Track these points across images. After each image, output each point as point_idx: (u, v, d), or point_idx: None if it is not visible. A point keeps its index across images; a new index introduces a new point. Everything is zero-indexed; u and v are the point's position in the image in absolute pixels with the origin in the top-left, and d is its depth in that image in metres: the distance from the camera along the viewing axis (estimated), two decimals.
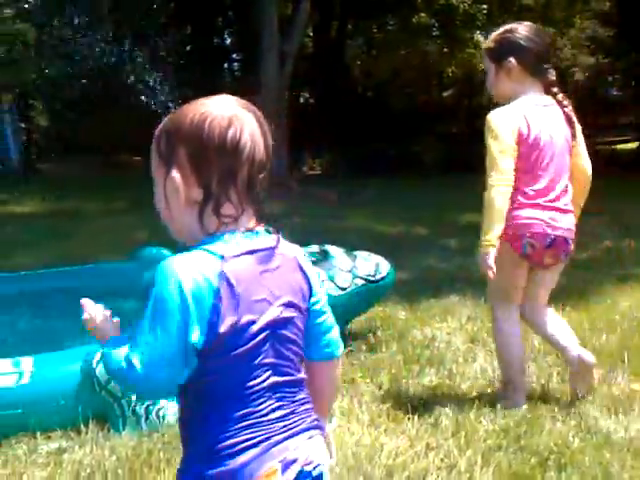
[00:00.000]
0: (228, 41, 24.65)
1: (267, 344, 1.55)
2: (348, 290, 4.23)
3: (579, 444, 2.98)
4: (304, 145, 17.79)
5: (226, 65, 24.78)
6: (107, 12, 15.12)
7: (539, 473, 2.78)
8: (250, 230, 1.56)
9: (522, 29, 3.36)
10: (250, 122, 1.57)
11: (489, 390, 3.59)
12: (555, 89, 3.39)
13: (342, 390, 3.65)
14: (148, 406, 3.18)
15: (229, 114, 1.55)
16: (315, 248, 4.41)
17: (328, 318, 1.70)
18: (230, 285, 1.48)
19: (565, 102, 3.40)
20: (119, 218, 10.03)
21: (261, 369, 1.55)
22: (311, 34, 21.85)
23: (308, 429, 1.60)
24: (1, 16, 15.91)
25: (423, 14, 18.92)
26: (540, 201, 3.27)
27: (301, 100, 24.20)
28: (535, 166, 3.27)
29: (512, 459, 2.87)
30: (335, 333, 1.71)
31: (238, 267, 1.51)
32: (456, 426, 3.13)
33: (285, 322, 1.58)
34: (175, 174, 1.53)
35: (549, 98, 3.37)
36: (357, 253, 4.40)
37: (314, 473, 1.57)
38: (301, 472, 1.54)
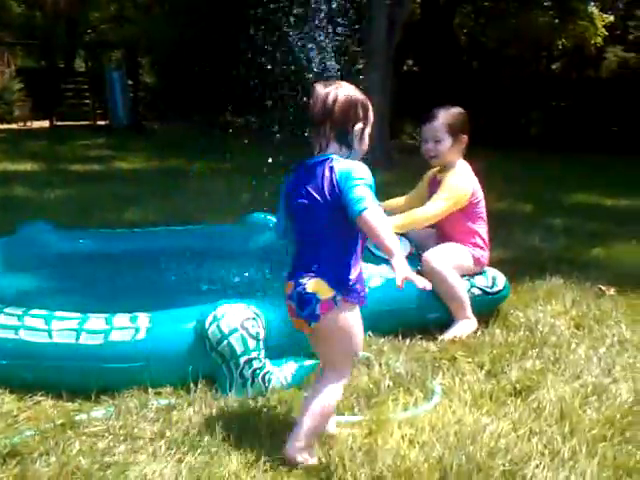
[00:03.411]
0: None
1: (295, 217, 2.80)
2: None
3: None
4: (405, 114, 17.62)
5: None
6: None
7: None
8: (314, 154, 2.77)
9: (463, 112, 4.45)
10: (317, 91, 2.76)
11: (594, 379, 3.52)
12: None
13: (443, 367, 3.67)
14: (255, 370, 3.26)
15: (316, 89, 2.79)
16: None
17: (352, 195, 2.60)
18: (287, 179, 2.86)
19: None
20: (224, 179, 10.20)
21: (296, 230, 2.81)
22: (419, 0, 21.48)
23: (312, 271, 2.68)
24: None
25: None
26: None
27: (404, 68, 23.90)
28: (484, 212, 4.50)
29: (617, 451, 2.83)
30: (358, 204, 2.58)
31: (294, 171, 2.83)
32: (560, 413, 3.11)
33: (308, 205, 2.71)
34: None
35: None
36: None
37: (300, 292, 2.68)
38: (298, 291, 2.69)
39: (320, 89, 2.76)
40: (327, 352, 2.82)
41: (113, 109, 22.00)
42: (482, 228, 4.47)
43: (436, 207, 4.32)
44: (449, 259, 4.24)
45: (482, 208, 4.47)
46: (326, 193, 2.67)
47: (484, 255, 4.44)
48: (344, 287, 2.68)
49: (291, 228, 2.84)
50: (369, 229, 2.58)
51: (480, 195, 4.45)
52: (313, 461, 2.73)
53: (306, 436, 2.73)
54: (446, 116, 4.40)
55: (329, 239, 2.70)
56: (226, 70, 20.45)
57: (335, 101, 2.72)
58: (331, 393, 2.77)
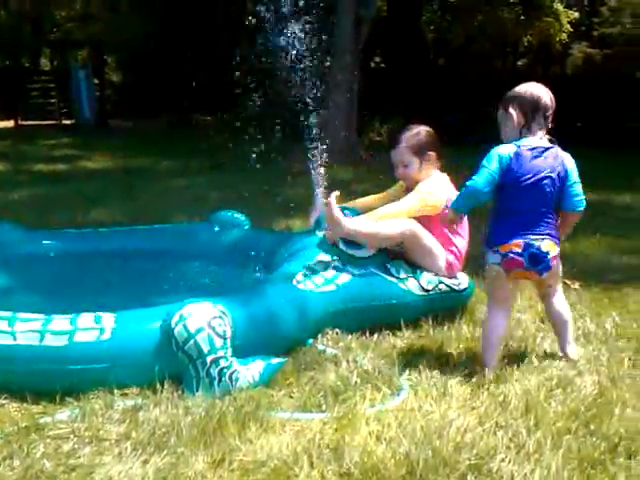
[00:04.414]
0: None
1: (528, 191, 3.51)
2: (430, 293, 4.25)
3: None
4: (372, 111, 17.63)
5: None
6: None
7: (609, 459, 2.75)
8: (539, 138, 3.60)
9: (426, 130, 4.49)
10: (543, 91, 3.66)
11: (559, 372, 3.56)
12: None
13: (410, 363, 3.68)
14: (222, 369, 3.24)
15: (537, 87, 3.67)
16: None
17: (575, 190, 3.62)
18: (516, 158, 3.53)
19: None
20: (191, 178, 10.15)
21: (529, 200, 3.52)
22: None
23: (542, 234, 3.50)
24: None
25: None
26: None
27: (372, 65, 23.93)
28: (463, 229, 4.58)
29: (581, 443, 2.85)
30: (579, 199, 3.64)
31: (521, 152, 3.54)
32: (525, 406, 3.13)
33: (542, 183, 3.51)
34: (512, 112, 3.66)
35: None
36: None
37: (536, 252, 3.47)
38: (532, 251, 3.47)
39: (543, 87, 3.70)
40: (553, 285, 3.75)
41: (79, 108, 21.79)
42: (460, 242, 4.43)
43: (408, 203, 4.34)
44: (424, 235, 4.28)
45: (463, 224, 4.41)
46: (557, 176, 3.54)
47: (457, 265, 4.41)
48: (559, 243, 3.59)
49: (514, 198, 3.56)
50: (571, 221, 3.72)
51: None
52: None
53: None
54: (409, 139, 4.43)
55: (552, 208, 3.57)
56: (193, 68, 20.38)
57: (552, 98, 3.66)
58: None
